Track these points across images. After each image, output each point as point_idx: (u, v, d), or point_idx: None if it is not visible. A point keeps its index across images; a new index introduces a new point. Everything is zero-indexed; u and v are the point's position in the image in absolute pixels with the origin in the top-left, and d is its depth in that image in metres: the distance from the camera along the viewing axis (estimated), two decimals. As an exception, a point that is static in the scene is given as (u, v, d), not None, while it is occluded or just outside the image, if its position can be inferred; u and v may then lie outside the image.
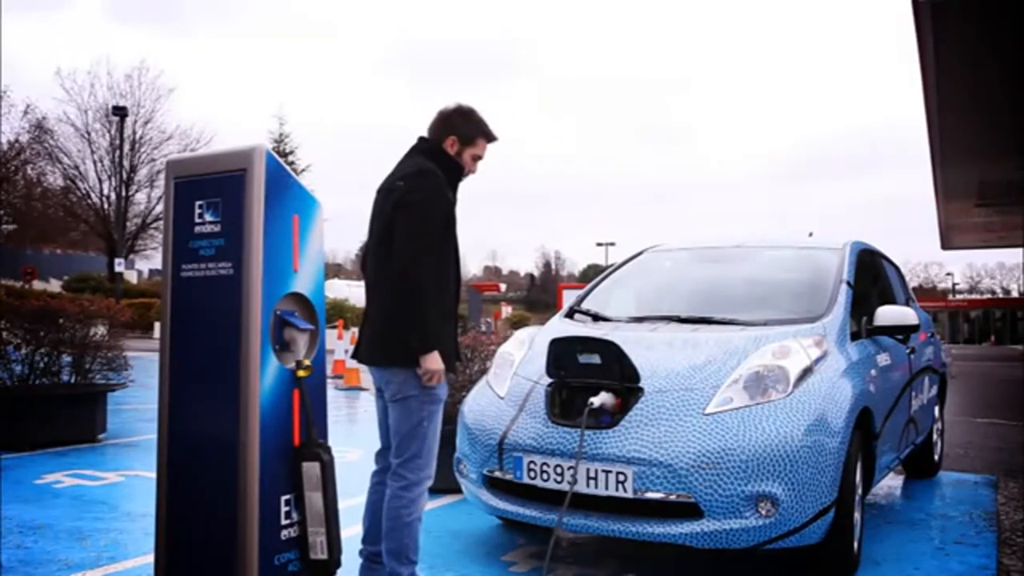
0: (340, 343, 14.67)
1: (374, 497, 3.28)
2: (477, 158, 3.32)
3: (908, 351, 5.03)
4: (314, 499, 2.92)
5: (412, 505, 3.07)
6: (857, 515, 3.74)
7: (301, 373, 2.93)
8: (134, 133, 38.68)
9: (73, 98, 38.20)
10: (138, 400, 9.32)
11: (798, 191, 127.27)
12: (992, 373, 21.54)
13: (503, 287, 45.87)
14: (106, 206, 39.10)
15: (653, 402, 3.56)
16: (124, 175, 37.56)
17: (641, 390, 3.61)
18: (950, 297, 74.67)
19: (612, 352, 3.62)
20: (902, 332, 4.55)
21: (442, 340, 3.05)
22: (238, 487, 2.77)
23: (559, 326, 4.55)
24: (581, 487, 3.50)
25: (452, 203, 3.18)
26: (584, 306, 4.77)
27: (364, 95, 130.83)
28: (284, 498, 2.89)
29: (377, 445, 3.36)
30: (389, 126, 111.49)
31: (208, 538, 2.85)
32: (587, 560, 3.97)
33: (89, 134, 38.52)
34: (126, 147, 36.91)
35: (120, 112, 31.99)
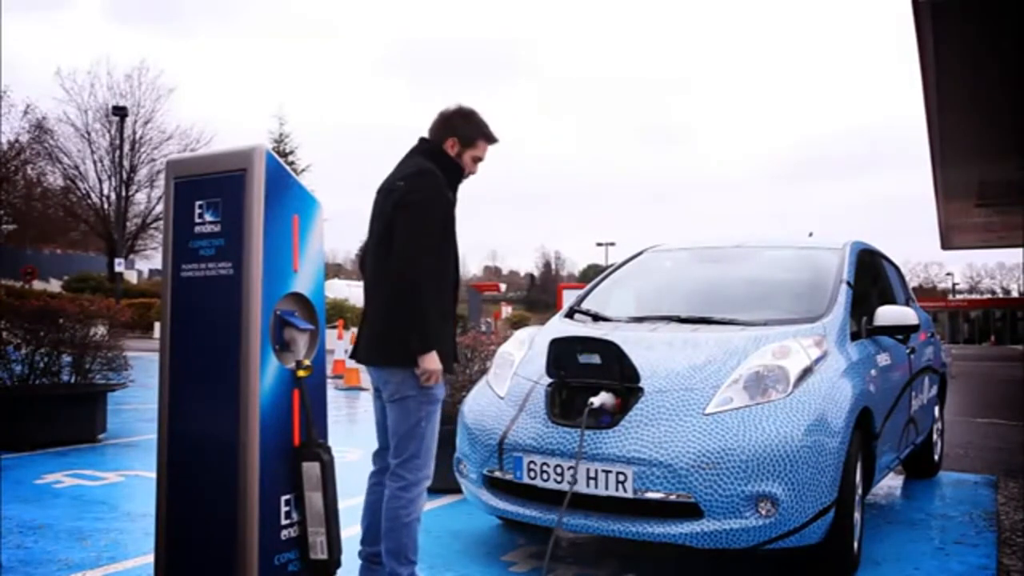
0: (340, 343, 14.67)
1: (372, 498, 3.28)
2: (477, 159, 3.32)
3: (908, 351, 5.03)
4: (314, 499, 2.92)
5: (411, 505, 3.07)
6: (857, 515, 3.74)
7: (301, 373, 2.93)
8: (134, 133, 38.69)
9: (73, 98, 38.29)
10: (138, 400, 9.32)
11: (798, 191, 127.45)
12: (992, 373, 21.55)
13: (503, 287, 45.87)
14: (106, 206, 39.11)
15: (653, 402, 3.57)
16: (124, 175, 37.57)
17: (641, 390, 3.61)
18: (950, 297, 74.68)
19: (612, 352, 3.62)
20: (902, 332, 4.55)
21: (440, 340, 3.05)
22: (238, 487, 2.77)
23: (559, 326, 4.55)
24: (581, 487, 3.50)
25: (452, 204, 3.18)
26: (584, 306, 4.77)
27: (364, 95, 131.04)
28: (284, 498, 2.89)
29: (376, 445, 3.36)
30: (389, 126, 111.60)
31: (208, 538, 2.85)
32: (587, 560, 3.97)
33: (89, 134, 38.58)
34: (126, 147, 36.92)
35: (120, 112, 31.99)
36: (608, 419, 3.56)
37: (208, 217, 2.91)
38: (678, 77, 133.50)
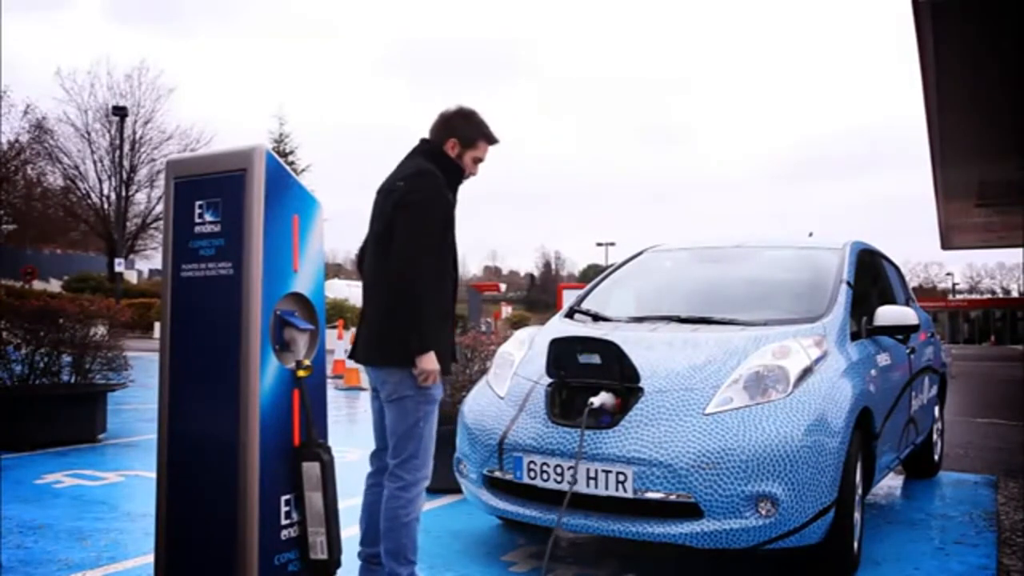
0: (340, 343, 14.66)
1: (370, 498, 3.28)
2: (478, 160, 3.32)
3: (908, 351, 5.03)
4: (314, 499, 2.92)
5: (410, 505, 3.07)
6: (857, 515, 3.74)
7: (301, 373, 2.93)
8: (134, 133, 38.70)
9: (73, 98, 38.29)
10: (138, 400, 9.32)
11: (798, 191, 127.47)
12: (992, 373, 21.55)
13: (503, 287, 45.84)
14: (106, 206, 39.11)
15: (653, 402, 3.56)
16: (124, 175, 37.57)
17: (641, 390, 3.61)
18: (950, 297, 74.68)
19: (612, 352, 3.62)
20: (902, 332, 4.54)
21: (438, 341, 3.05)
22: (238, 487, 2.77)
23: (559, 326, 4.55)
24: (581, 487, 3.50)
25: (452, 204, 3.18)
26: (584, 306, 4.77)
27: (364, 95, 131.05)
28: (284, 498, 2.89)
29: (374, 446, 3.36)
30: (389, 126, 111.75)
31: (208, 538, 2.85)
32: (587, 560, 3.97)
33: (89, 134, 38.59)
34: (126, 147, 36.92)
35: (120, 112, 31.99)
36: (608, 419, 3.56)
37: (208, 217, 2.91)
38: (678, 77, 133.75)
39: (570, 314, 4.75)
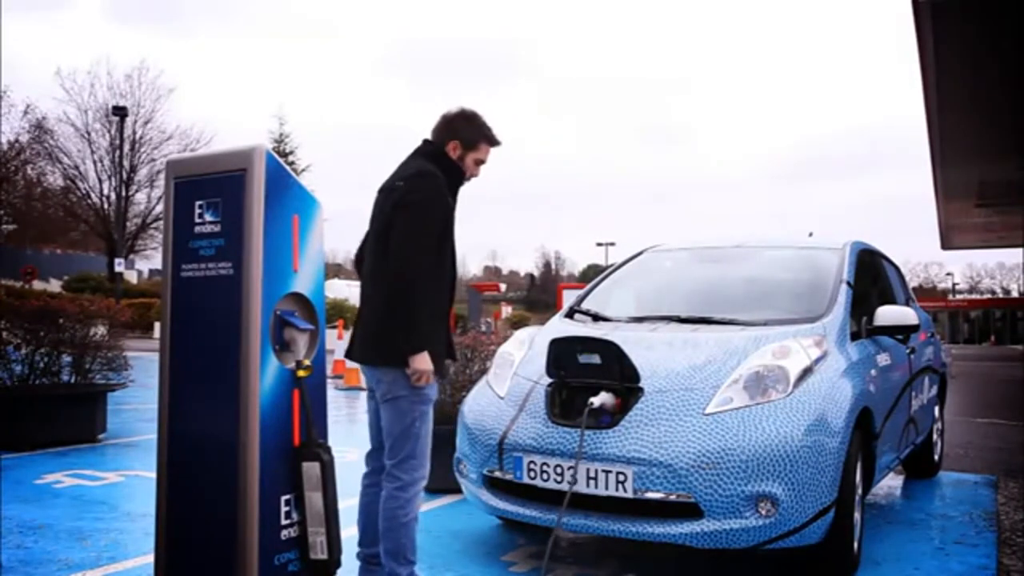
0: (340, 343, 14.64)
1: (367, 499, 3.28)
2: (480, 162, 3.32)
3: (908, 351, 5.03)
4: (314, 499, 2.92)
5: (408, 505, 3.07)
6: (857, 515, 3.74)
7: (301, 373, 2.94)
8: (134, 133, 38.69)
9: (73, 98, 38.28)
10: (138, 400, 9.32)
11: (798, 191, 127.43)
12: (992, 373, 21.55)
13: (503, 287, 45.83)
14: (106, 206, 39.11)
15: (653, 402, 3.56)
16: (124, 175, 37.57)
17: (641, 390, 3.61)
18: (950, 297, 74.68)
19: (612, 352, 3.62)
20: (902, 332, 4.55)
21: (432, 341, 3.04)
22: (238, 487, 2.77)
23: (559, 326, 4.55)
24: (581, 487, 3.50)
25: (451, 206, 3.18)
26: (584, 306, 4.77)
27: (364, 95, 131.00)
28: (284, 498, 2.90)
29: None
30: (389, 126, 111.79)
31: (208, 538, 2.85)
32: (587, 560, 3.97)
33: (89, 134, 38.58)
34: (126, 147, 36.92)
35: (120, 112, 31.99)
36: (608, 419, 3.56)
37: (208, 217, 2.91)
38: (678, 77, 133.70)
39: (570, 314, 4.75)
